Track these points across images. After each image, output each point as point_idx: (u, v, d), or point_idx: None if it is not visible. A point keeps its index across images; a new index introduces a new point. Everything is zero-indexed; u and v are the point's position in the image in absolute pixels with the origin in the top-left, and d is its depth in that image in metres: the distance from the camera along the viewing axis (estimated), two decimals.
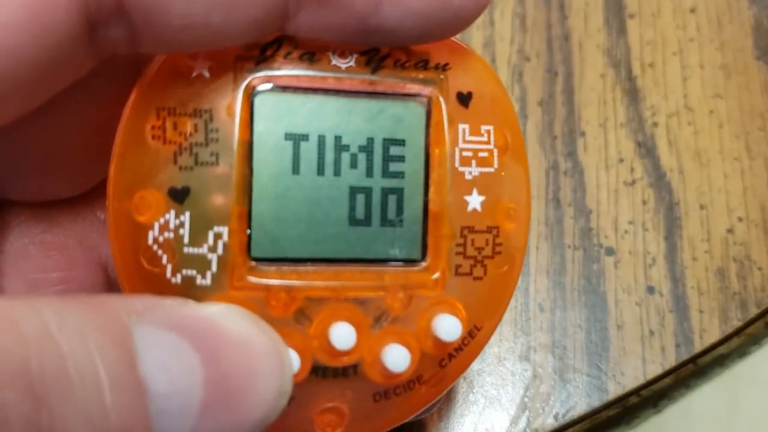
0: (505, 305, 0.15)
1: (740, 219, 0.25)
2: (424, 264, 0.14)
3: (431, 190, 0.14)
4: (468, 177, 0.14)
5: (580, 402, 0.21)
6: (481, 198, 0.14)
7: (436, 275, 0.14)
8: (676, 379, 0.23)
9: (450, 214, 0.14)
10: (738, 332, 0.23)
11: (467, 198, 0.14)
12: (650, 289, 0.23)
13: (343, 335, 0.13)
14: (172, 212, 0.13)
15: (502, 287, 0.15)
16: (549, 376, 0.22)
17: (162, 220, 0.13)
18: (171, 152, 0.13)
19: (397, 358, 0.14)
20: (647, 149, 0.26)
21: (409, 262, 0.14)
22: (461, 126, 0.14)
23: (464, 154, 0.14)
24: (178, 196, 0.13)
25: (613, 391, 0.22)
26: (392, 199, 0.14)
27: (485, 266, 0.14)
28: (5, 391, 0.09)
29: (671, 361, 0.22)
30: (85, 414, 0.10)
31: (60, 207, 0.16)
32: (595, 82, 0.27)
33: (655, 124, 0.26)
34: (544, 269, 0.23)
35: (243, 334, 0.12)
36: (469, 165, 0.14)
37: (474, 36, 0.28)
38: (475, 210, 0.14)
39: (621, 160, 0.25)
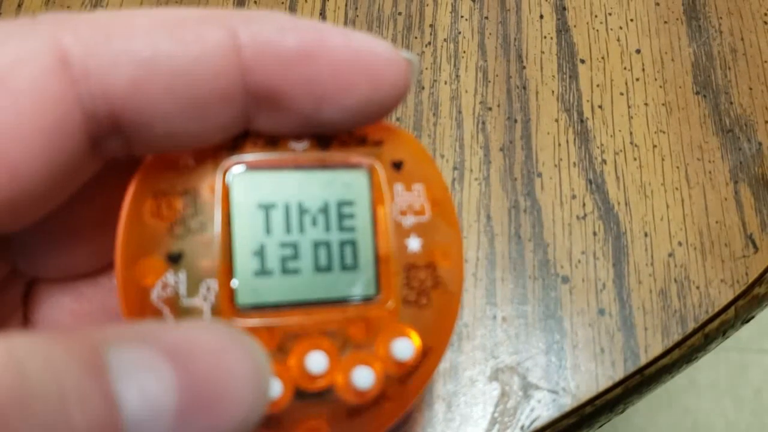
0: (451, 327, 0.18)
1: (680, 243, 0.28)
2: (379, 298, 0.17)
3: (378, 238, 0.17)
4: (406, 225, 0.17)
5: (543, 414, 0.25)
6: (419, 240, 0.17)
7: (389, 306, 0.17)
8: (625, 389, 0.26)
9: (395, 256, 0.17)
10: (678, 345, 0.26)
11: (407, 242, 0.17)
12: (601, 312, 0.27)
13: (317, 362, 0.16)
14: (171, 272, 0.16)
15: (446, 312, 0.18)
16: (515, 393, 0.25)
17: (162, 280, 0.16)
18: (167, 225, 0.16)
19: (363, 377, 0.17)
20: (597, 185, 0.29)
21: (367, 298, 0.17)
22: (397, 186, 0.18)
23: (401, 207, 0.18)
24: (175, 260, 0.16)
25: (570, 403, 0.25)
26: (348, 249, 0.17)
27: (429, 296, 0.17)
28: None
29: (620, 374, 0.26)
30: (47, 427, 0.11)
31: (82, 279, 0.19)
32: (550, 126, 0.30)
33: (604, 162, 0.30)
34: (509, 299, 0.27)
35: (216, 342, 0.13)
36: (406, 215, 0.18)
37: (442, 90, 0.31)
38: (414, 251, 0.17)
39: (573, 197, 0.29)
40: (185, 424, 0.12)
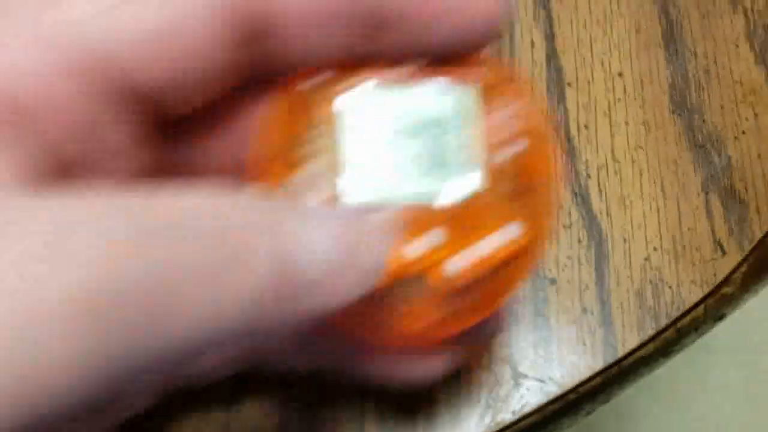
0: (546, 225, 0.20)
1: (655, 249, 0.31)
2: (477, 196, 0.19)
3: (478, 150, 0.20)
4: (502, 142, 0.20)
5: (531, 401, 0.29)
6: (515, 155, 0.20)
7: (489, 199, 0.19)
8: (605, 378, 0.29)
9: (493, 165, 0.20)
10: (652, 338, 0.30)
11: (502, 155, 0.20)
12: (584, 310, 0.30)
13: (414, 251, 0.18)
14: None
15: (543, 209, 0.20)
16: (507, 382, 0.29)
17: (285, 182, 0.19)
18: (290, 145, 0.19)
19: (457, 267, 0.19)
20: (582, 197, 0.33)
21: (465, 197, 0.19)
22: (495, 107, 0.20)
23: (499, 127, 0.20)
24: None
25: (556, 391, 0.29)
26: (450, 156, 0.19)
27: (525, 197, 0.20)
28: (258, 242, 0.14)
29: (600, 365, 0.29)
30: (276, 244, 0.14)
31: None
32: None
33: (588, 176, 0.33)
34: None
35: (352, 212, 0.17)
36: (503, 132, 0.20)
37: None
38: (509, 162, 0.20)
39: (560, 208, 0.32)
40: (339, 269, 0.15)
